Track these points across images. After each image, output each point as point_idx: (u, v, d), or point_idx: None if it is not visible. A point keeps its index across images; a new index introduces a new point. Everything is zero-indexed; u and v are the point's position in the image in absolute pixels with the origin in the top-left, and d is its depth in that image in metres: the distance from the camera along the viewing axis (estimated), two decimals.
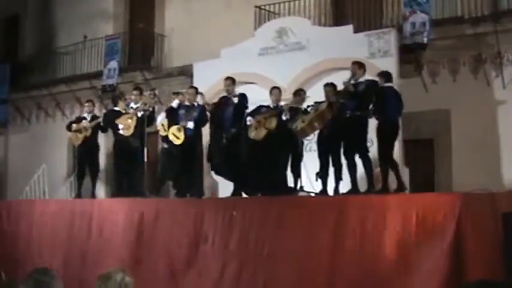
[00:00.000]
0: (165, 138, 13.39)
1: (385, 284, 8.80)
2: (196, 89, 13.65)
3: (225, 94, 13.05)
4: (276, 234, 10.03)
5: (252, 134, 11.94)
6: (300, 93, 12.34)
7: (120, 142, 13.74)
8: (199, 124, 13.01)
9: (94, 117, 14.67)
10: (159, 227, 11.61)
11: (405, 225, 8.73)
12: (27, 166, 20.80)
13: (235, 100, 12.64)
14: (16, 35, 24.44)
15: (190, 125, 12.83)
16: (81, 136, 14.41)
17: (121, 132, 13.53)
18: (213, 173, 13.79)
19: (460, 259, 8.20)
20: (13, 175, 22.64)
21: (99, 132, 14.70)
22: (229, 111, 12.56)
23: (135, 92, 14.19)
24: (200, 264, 10.85)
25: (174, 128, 12.97)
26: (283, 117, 11.88)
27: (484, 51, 14.22)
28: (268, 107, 12.27)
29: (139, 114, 13.43)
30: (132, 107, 13.76)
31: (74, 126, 14.53)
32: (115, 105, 14.35)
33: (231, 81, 12.98)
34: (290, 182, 12.02)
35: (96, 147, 14.70)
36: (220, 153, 12.59)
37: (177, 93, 13.75)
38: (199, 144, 13.20)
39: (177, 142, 12.88)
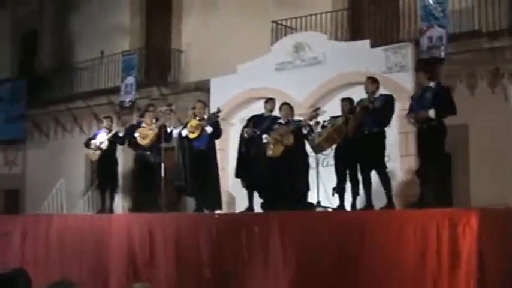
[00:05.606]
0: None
1: None
2: (205, 103, 13.71)
3: (258, 113, 13.13)
4: (299, 251, 9.95)
5: (269, 153, 11.94)
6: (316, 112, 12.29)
7: (139, 157, 13.85)
8: (214, 134, 13.06)
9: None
10: (177, 243, 11.51)
11: (425, 241, 8.69)
12: (46, 181, 20.92)
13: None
14: (34, 50, 24.59)
15: (209, 129, 12.88)
16: (97, 152, 14.46)
17: (138, 140, 13.61)
18: (230, 187, 13.79)
19: (478, 275, 8.16)
20: (31, 190, 22.75)
21: (117, 146, 14.72)
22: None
23: (151, 109, 14.24)
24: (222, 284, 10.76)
25: (195, 121, 13.02)
26: (304, 131, 11.91)
27: (502, 66, 14.19)
28: (281, 123, 12.28)
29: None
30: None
31: (92, 143, 14.56)
32: (142, 117, 14.37)
33: (272, 102, 13.06)
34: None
35: (114, 162, 14.71)
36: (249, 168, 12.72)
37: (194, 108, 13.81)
38: (214, 157, 13.25)
39: (191, 136, 12.94)
